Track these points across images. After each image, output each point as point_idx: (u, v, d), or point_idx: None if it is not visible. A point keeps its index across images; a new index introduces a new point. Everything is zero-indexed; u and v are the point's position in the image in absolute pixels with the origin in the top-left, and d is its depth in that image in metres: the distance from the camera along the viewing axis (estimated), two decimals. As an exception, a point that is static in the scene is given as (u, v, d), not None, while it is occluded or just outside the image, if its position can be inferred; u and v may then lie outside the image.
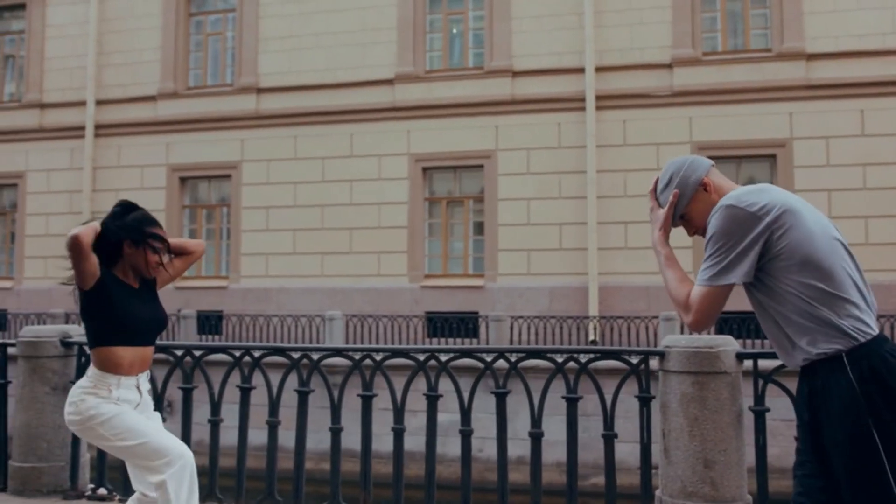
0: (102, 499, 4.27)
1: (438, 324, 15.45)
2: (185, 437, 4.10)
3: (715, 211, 2.28)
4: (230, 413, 4.21)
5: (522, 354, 3.99)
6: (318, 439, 5.24)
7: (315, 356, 4.17)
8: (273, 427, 4.11)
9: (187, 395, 4.23)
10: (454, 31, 17.03)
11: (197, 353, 4.25)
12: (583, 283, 15.43)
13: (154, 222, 3.28)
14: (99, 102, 18.01)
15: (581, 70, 15.70)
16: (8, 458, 4.49)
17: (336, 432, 4.07)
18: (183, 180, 17.88)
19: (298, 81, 17.17)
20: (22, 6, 18.81)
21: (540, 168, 15.91)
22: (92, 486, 4.40)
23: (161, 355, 4.16)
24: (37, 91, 18.46)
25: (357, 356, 4.07)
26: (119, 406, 3.09)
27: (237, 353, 4.11)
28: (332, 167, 16.90)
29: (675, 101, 15.46)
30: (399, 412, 4.00)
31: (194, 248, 3.57)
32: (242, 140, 17.44)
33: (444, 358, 3.99)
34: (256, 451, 4.94)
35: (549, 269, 15.67)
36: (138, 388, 3.21)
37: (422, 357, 4.02)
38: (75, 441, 4.34)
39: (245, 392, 4.13)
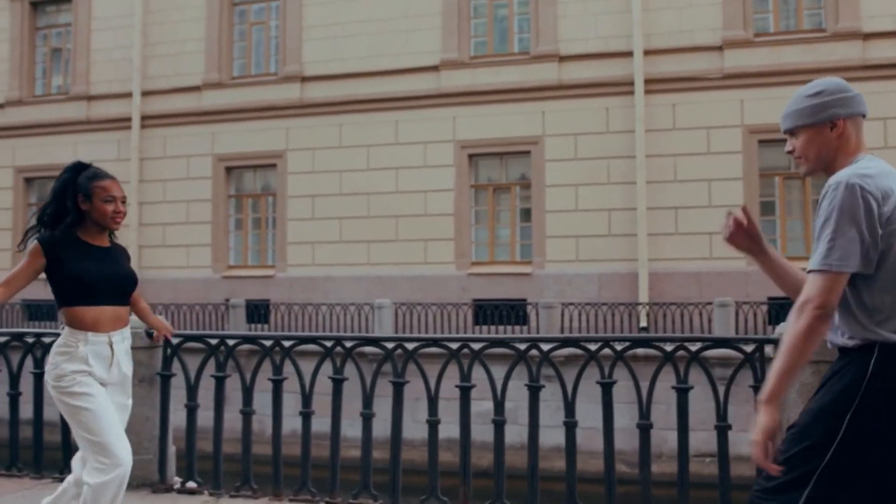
0: (192, 492, 4.23)
1: (486, 311, 15.36)
2: (276, 431, 4.06)
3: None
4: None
5: (628, 343, 3.88)
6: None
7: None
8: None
9: (277, 386, 4.17)
10: (499, 16, 16.85)
11: (287, 343, 4.19)
12: (632, 269, 15.25)
13: (105, 176, 3.37)
14: (145, 93, 18.11)
15: (629, 54, 15.46)
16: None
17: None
18: (228, 170, 17.94)
19: (343, 69, 17.11)
20: (68, 0, 18.96)
21: (588, 153, 15.72)
22: (178, 479, 4.37)
23: (247, 346, 4.15)
24: (83, 83, 18.60)
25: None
26: (90, 383, 3.20)
27: (328, 344, 4.04)
28: (378, 155, 16.84)
29: (725, 84, 15.17)
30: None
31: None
32: (287, 129, 17.44)
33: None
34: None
35: (597, 255, 15.50)
36: (110, 344, 3.28)
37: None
38: (163, 433, 4.32)
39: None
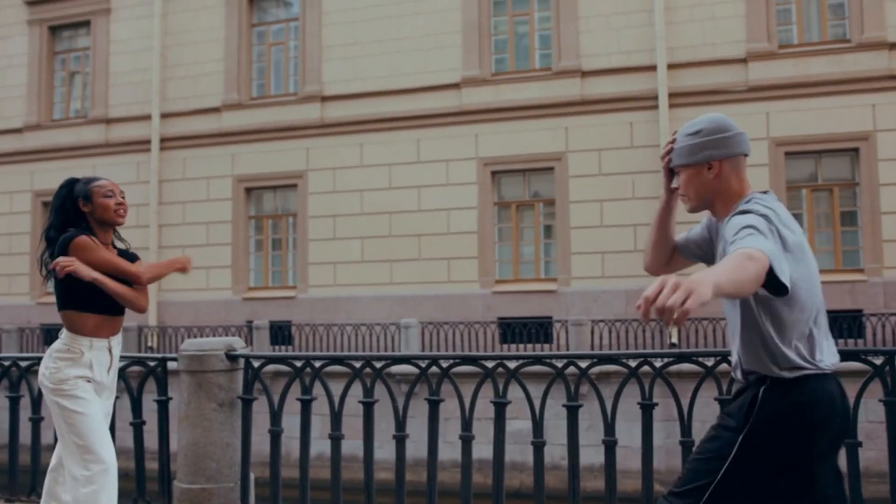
0: (278, 521, 4.08)
1: (512, 330, 15.20)
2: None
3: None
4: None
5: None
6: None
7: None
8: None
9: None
10: (519, 32, 16.81)
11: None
12: (660, 284, 15.06)
13: (100, 178, 3.53)
14: (164, 115, 18.05)
15: (652, 68, 15.39)
16: (171, 478, 4.33)
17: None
18: (248, 191, 17.84)
19: (363, 88, 17.05)
20: (86, 23, 18.94)
21: (612, 169, 15.61)
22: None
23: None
24: (102, 106, 18.56)
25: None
26: (86, 391, 3.28)
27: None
28: (399, 174, 16.75)
29: (750, 97, 15.09)
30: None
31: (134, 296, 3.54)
32: (307, 149, 17.36)
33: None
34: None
35: (623, 271, 15.33)
36: (109, 350, 3.40)
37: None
38: (244, 460, 4.16)
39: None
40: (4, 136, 19.20)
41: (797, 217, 14.93)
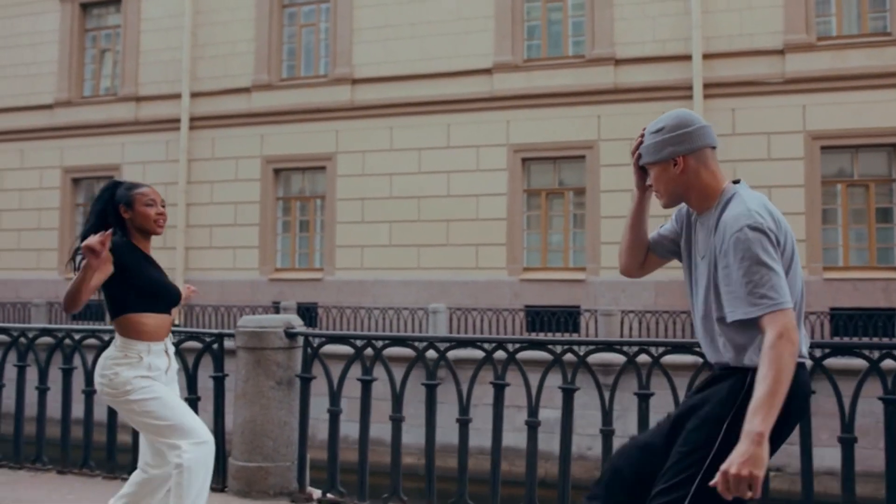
0: (335, 502, 4.03)
1: (540, 318, 15.12)
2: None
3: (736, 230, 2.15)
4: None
5: (828, 350, 3.64)
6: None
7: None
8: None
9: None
10: (553, 19, 16.65)
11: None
12: (689, 276, 14.94)
13: (143, 185, 3.43)
14: (194, 95, 18.03)
15: (687, 57, 15.21)
16: (226, 456, 4.30)
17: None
18: (277, 172, 17.82)
19: (394, 72, 16.96)
20: (117, 1, 18.94)
21: (644, 158, 15.44)
22: (312, 489, 4.17)
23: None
24: (132, 84, 18.56)
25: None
26: (152, 381, 3.19)
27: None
28: (429, 158, 16.67)
29: (787, 89, 14.88)
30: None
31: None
32: (337, 131, 17.30)
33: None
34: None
35: (653, 262, 15.19)
36: (166, 352, 3.34)
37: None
38: (302, 440, 4.12)
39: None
40: (35, 112, 19.25)
41: (832, 213, 14.81)
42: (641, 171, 2.44)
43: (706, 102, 15.00)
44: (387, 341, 3.94)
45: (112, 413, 4.45)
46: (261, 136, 17.75)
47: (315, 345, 4.09)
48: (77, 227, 19.10)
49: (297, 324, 4.20)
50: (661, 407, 3.79)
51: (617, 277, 15.34)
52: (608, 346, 3.78)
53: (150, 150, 18.29)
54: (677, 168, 2.26)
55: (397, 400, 3.91)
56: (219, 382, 4.34)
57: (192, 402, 4.41)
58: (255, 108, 17.76)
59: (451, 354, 3.88)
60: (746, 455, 1.95)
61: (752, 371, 2.14)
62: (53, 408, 4.79)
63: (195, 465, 3.09)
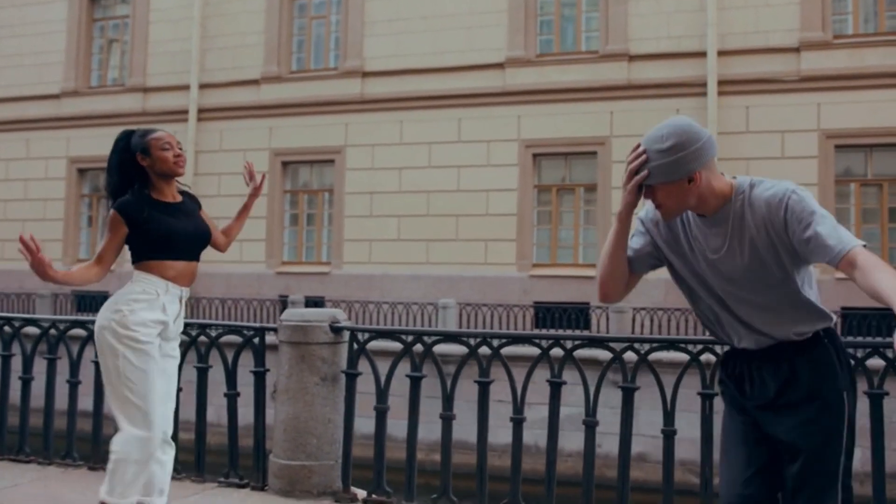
0: (381, 503, 3.92)
1: (552, 314, 15.02)
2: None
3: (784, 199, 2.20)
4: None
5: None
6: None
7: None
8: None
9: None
10: (566, 14, 16.53)
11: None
12: (701, 274, 14.86)
13: (156, 129, 3.42)
14: (202, 86, 17.89)
15: (702, 54, 15.09)
16: (266, 454, 4.20)
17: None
18: (285, 165, 17.71)
19: (405, 65, 16.83)
20: (126, -9, 18.82)
21: (657, 155, 15.34)
22: (356, 489, 4.06)
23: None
24: (140, 75, 18.43)
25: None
26: (150, 355, 3.13)
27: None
28: (439, 153, 16.56)
29: (802, 87, 14.78)
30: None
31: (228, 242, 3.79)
32: (346, 124, 17.18)
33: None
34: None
35: (664, 260, 15.11)
36: (181, 299, 3.32)
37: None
38: (347, 438, 4.02)
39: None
40: (41, 102, 19.10)
41: (844, 212, 14.73)
42: (637, 191, 2.29)
43: (720, 100, 14.91)
44: (438, 337, 3.84)
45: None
46: (269, 129, 17.63)
47: (362, 340, 3.98)
48: (82, 217, 19.00)
49: (342, 318, 4.10)
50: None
51: (628, 275, 15.27)
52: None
53: None
54: (694, 184, 2.18)
55: (448, 398, 3.81)
56: (259, 378, 4.23)
57: (232, 397, 4.32)
58: (264, 101, 17.63)
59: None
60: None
61: (817, 335, 2.28)
62: (84, 402, 4.69)
63: (127, 457, 3.09)
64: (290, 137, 17.50)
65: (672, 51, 15.41)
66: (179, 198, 3.46)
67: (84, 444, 4.73)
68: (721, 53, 14.97)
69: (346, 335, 4.02)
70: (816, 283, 2.37)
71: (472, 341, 3.75)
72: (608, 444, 4.20)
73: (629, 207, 2.31)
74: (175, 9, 18.23)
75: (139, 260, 3.29)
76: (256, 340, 4.22)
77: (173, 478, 4.28)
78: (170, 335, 3.35)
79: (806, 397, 2.23)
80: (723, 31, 15.02)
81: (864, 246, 2.12)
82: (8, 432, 4.92)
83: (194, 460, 4.30)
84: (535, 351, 3.65)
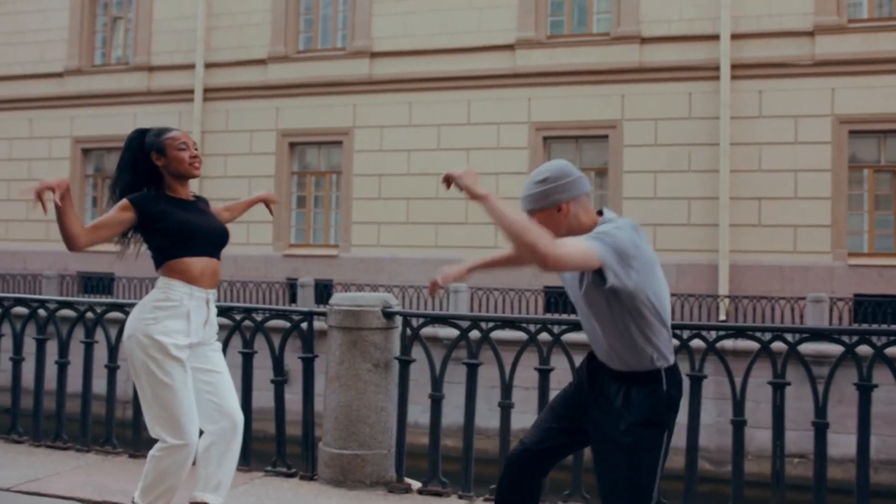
0: (437, 494, 3.84)
1: (564, 299, 14.92)
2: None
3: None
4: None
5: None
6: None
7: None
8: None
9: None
10: (578, -5, 16.36)
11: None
12: (712, 260, 14.82)
13: (173, 129, 3.32)
14: (208, 65, 17.69)
15: (715, 37, 14.96)
16: (315, 442, 4.11)
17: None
18: (292, 146, 17.55)
19: (414, 46, 16.66)
20: (131, -32, 18.56)
21: (668, 139, 15.26)
22: (410, 480, 3.98)
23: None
24: (145, 54, 18.21)
25: (532, 328, 3.60)
26: (177, 368, 3.04)
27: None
28: (449, 135, 16.42)
29: (816, 72, 14.67)
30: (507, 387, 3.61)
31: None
32: (354, 105, 17.02)
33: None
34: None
35: (676, 245, 15.06)
36: (207, 303, 3.20)
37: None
38: (401, 426, 3.93)
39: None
40: (45, 80, 18.87)
41: (857, 198, 14.66)
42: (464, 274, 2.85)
43: (733, 83, 14.79)
44: (496, 322, 3.75)
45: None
46: (276, 109, 17.45)
47: (415, 325, 3.88)
48: (87, 198, 18.83)
49: (394, 303, 4.00)
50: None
51: (638, 259, 15.19)
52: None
53: (162, 120, 17.71)
54: (562, 213, 2.48)
55: (507, 386, 3.71)
56: (308, 364, 4.13)
57: (279, 384, 4.22)
58: (271, 81, 17.45)
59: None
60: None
61: (662, 372, 2.46)
62: (123, 386, 4.59)
63: (170, 466, 3.04)
64: (298, 118, 17.33)
65: (685, 33, 15.27)
66: (192, 197, 3.37)
67: (123, 429, 4.63)
68: (734, 37, 14.84)
69: (399, 320, 3.92)
70: (659, 329, 2.47)
71: (531, 327, 3.65)
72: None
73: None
74: (180, -14, 18.00)
75: (160, 262, 3.19)
76: (304, 325, 4.11)
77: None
78: (203, 340, 3.24)
79: (617, 429, 2.44)
80: (736, 13, 14.88)
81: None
82: (44, 417, 4.82)
83: (240, 449, 4.20)
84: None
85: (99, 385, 4.57)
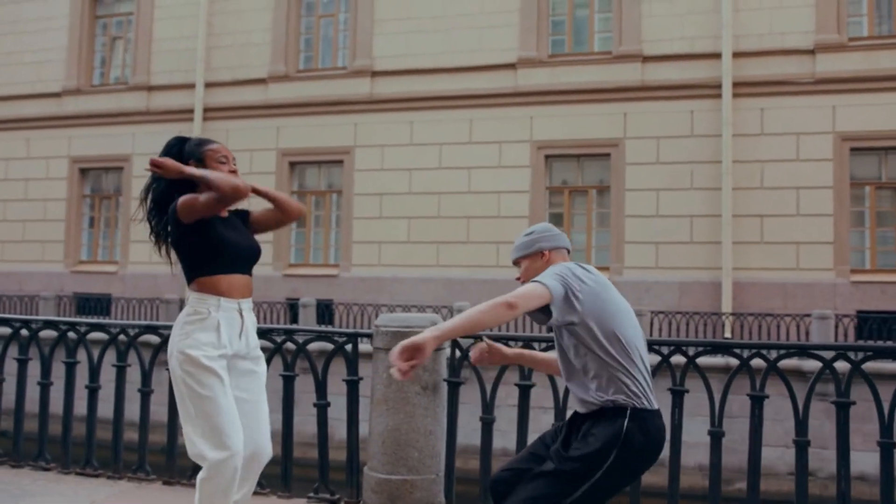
0: (488, 518, 3.77)
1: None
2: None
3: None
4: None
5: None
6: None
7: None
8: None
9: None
10: (579, 14, 16.41)
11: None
12: (714, 277, 14.80)
13: (213, 140, 3.30)
14: (208, 85, 17.63)
15: (717, 55, 15.03)
16: (360, 467, 4.02)
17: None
18: (293, 165, 17.48)
19: (415, 65, 16.67)
20: (130, -12, 18.52)
21: (671, 157, 15.28)
22: None
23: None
24: (144, 73, 18.13)
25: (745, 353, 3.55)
26: (214, 380, 2.99)
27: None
28: (450, 154, 16.40)
29: (817, 89, 14.74)
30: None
31: (292, 209, 3.51)
32: (356, 124, 16.98)
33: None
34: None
35: (678, 262, 15.06)
36: (240, 312, 3.15)
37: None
38: (450, 450, 3.85)
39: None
40: (42, 100, 18.76)
41: (859, 215, 14.70)
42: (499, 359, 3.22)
43: (735, 101, 14.85)
44: (549, 343, 3.68)
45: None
46: (277, 129, 17.40)
47: (465, 347, 3.82)
48: (84, 218, 18.66)
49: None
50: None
51: (640, 277, 15.21)
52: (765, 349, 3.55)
53: (161, 140, 16.80)
54: (544, 259, 2.86)
55: (560, 410, 3.64)
56: (353, 387, 4.05)
57: (322, 408, 4.13)
58: (272, 100, 17.41)
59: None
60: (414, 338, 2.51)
61: (628, 410, 2.56)
62: (157, 413, 4.49)
63: (218, 485, 2.95)
64: (298, 137, 17.28)
65: (686, 52, 15.33)
66: (226, 213, 3.32)
67: (155, 456, 4.53)
68: (736, 55, 14.90)
69: (448, 342, 3.85)
70: (623, 367, 2.59)
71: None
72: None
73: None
74: (180, 6, 17.96)
75: (191, 278, 3.16)
76: (349, 347, 4.03)
77: (257, 492, 4.12)
78: (241, 352, 3.17)
79: (555, 451, 2.62)
80: (738, 32, 14.96)
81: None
82: (73, 444, 4.71)
83: (280, 474, 4.10)
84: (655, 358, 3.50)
85: (130, 410, 4.48)
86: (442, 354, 3.88)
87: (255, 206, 3.43)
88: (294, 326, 4.50)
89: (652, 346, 3.72)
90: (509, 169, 16.08)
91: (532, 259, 2.88)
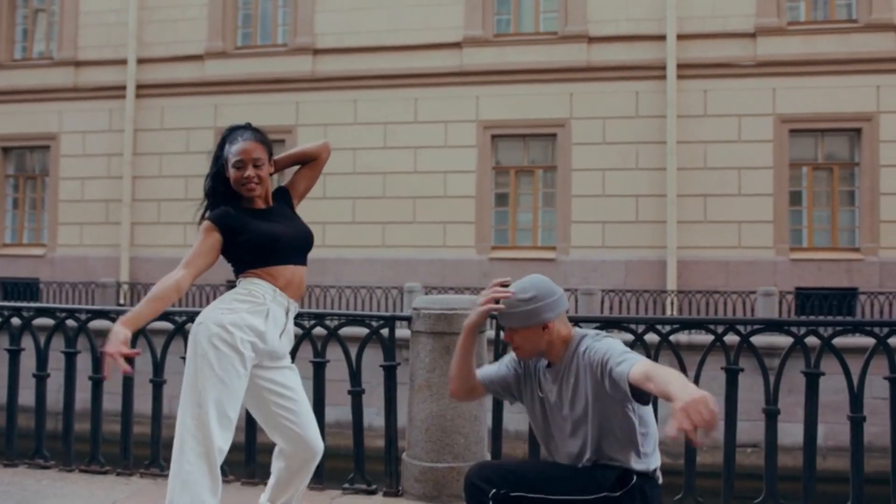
0: (542, 502, 3.66)
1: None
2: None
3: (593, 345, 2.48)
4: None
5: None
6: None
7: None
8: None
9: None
10: (524, -7, 16.35)
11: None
12: (660, 256, 15.04)
13: (239, 139, 3.11)
14: (140, 61, 16.92)
15: (661, 37, 15.19)
16: (398, 456, 3.86)
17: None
18: (231, 145, 16.94)
19: (358, 43, 16.35)
20: (53, -44, 17.60)
21: (616, 138, 15.41)
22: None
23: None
24: (71, 48, 17.29)
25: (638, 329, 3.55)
26: (239, 368, 2.77)
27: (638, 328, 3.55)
28: (395, 133, 16.18)
29: (758, 72, 15.05)
30: None
31: (317, 152, 3.37)
32: (297, 103, 16.58)
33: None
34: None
35: (624, 242, 15.23)
36: (287, 311, 2.98)
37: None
38: (496, 436, 3.73)
39: None
40: (-40, 75, 17.75)
41: (797, 195, 15.11)
42: (485, 315, 2.67)
43: (679, 83, 15.04)
44: (597, 324, 3.60)
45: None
46: (214, 107, 16.84)
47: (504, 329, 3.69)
48: (7, 199, 17.76)
49: (482, 306, 3.79)
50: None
51: (587, 256, 15.33)
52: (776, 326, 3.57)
53: (91, 118, 17.12)
54: (546, 331, 2.50)
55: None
56: (390, 373, 3.89)
57: (357, 394, 3.96)
58: (208, 77, 16.84)
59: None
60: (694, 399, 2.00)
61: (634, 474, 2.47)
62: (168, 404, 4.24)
63: (194, 479, 2.73)
64: (237, 116, 16.46)
65: (632, 33, 15.45)
66: (271, 202, 3.14)
67: (168, 450, 4.28)
68: (680, 37, 15.09)
69: (492, 324, 3.73)
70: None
71: (638, 328, 3.53)
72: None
73: (476, 325, 2.67)
74: (109, -23, 17.17)
75: (246, 268, 2.98)
76: (385, 331, 3.87)
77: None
78: (276, 352, 2.97)
79: None
80: (682, 14, 15.14)
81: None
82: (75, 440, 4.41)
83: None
84: (709, 338, 3.46)
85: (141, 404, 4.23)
86: (483, 337, 3.76)
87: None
88: (325, 311, 4.27)
89: (706, 324, 3.67)
90: (455, 149, 15.96)
91: (532, 331, 2.51)
